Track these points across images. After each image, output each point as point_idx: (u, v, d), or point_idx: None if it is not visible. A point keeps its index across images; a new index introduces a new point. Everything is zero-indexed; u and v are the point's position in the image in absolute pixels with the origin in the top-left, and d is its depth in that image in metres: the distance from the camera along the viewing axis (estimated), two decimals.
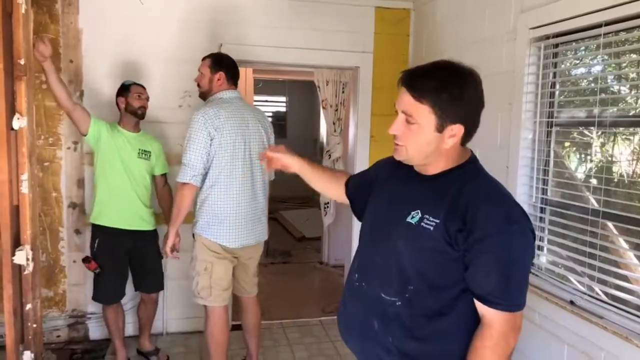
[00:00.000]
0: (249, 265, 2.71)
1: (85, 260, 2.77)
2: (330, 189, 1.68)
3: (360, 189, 1.54)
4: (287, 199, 7.86)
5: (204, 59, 2.65)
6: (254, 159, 2.54)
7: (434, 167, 1.28)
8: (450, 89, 1.20)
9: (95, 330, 3.23)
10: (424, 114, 1.20)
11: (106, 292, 2.82)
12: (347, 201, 1.62)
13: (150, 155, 2.86)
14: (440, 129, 1.21)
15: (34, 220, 2.21)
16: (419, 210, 1.24)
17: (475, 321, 1.22)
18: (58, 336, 3.18)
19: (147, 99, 2.84)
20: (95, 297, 2.85)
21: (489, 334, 1.17)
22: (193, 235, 2.57)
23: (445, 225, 1.18)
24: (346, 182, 1.62)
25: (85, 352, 3.09)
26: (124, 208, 2.78)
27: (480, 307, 1.19)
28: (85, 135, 2.73)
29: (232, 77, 2.63)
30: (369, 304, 1.32)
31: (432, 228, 1.20)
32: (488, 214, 1.16)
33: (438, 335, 1.23)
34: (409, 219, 1.25)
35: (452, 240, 1.18)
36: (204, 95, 2.64)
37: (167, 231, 2.56)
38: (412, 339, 1.25)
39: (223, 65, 2.60)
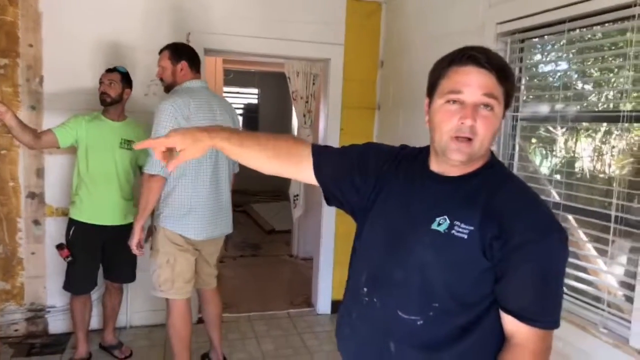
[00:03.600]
0: (210, 258, 2.67)
1: (59, 247, 2.70)
2: (284, 167, 1.28)
3: (344, 172, 1.26)
4: (258, 192, 7.81)
5: (161, 51, 2.56)
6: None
7: (470, 166, 1.10)
8: (510, 69, 1.09)
9: (55, 324, 3.13)
10: (501, 99, 1.05)
11: (77, 281, 2.74)
12: (313, 182, 1.30)
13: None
14: (503, 116, 1.08)
15: None
16: (445, 216, 1.08)
17: (499, 339, 1.09)
18: (16, 330, 3.07)
19: (111, 83, 2.69)
20: (66, 287, 2.76)
21: (522, 356, 1.04)
22: (154, 227, 2.52)
23: (481, 232, 1.03)
24: (314, 161, 1.27)
25: (44, 346, 3.00)
26: (103, 203, 2.69)
27: (510, 324, 1.05)
28: (59, 148, 2.66)
29: (195, 65, 2.56)
30: (383, 324, 1.13)
31: (466, 236, 1.04)
32: (527, 220, 1.03)
33: (464, 355, 1.08)
34: (434, 226, 1.08)
35: (486, 249, 1.03)
36: (169, 88, 2.55)
37: (133, 226, 2.47)
38: None
39: (183, 54, 2.52)
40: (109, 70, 2.75)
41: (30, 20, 2.92)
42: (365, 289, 1.17)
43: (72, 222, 2.72)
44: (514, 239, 1.01)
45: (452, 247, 1.05)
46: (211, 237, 2.54)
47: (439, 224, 1.08)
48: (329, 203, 1.34)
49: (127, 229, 2.78)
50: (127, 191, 2.78)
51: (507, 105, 1.08)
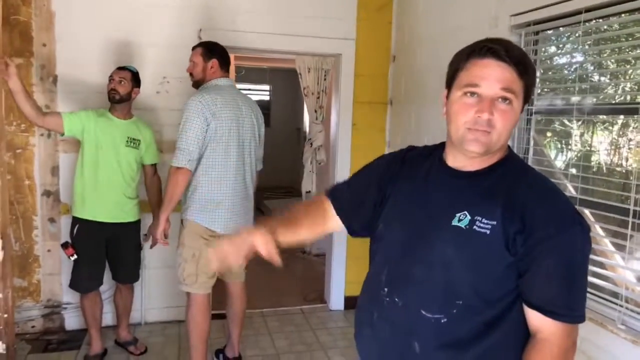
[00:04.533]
0: None
1: (64, 245, 2.72)
2: (318, 227, 1.35)
3: (364, 202, 1.28)
4: (270, 188, 7.82)
5: (194, 48, 2.62)
6: (246, 146, 2.56)
7: (487, 160, 1.10)
8: (531, 62, 1.06)
9: (71, 321, 3.17)
10: (520, 93, 1.04)
11: (82, 280, 2.76)
12: (342, 227, 1.34)
13: (139, 144, 2.77)
14: (522, 109, 1.07)
15: (3, 209, 2.16)
16: (466, 212, 1.06)
17: (524, 334, 1.07)
18: (33, 327, 3.12)
19: (121, 81, 2.70)
20: (72, 285, 2.79)
21: (549, 351, 1.02)
22: (182, 221, 2.55)
23: (504, 227, 1.02)
24: (333, 202, 1.32)
25: (61, 342, 3.04)
26: (106, 200, 2.70)
27: (535, 319, 1.04)
28: (63, 135, 2.65)
29: (225, 64, 2.62)
30: (406, 324, 1.11)
31: (488, 231, 1.03)
32: (549, 212, 1.02)
33: (488, 352, 1.06)
34: (455, 222, 1.06)
35: (509, 244, 1.02)
36: (197, 84, 2.61)
37: (159, 218, 2.52)
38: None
39: (216, 52, 2.58)
40: (120, 68, 2.76)
41: (43, 20, 2.94)
42: (386, 289, 1.15)
43: (75, 220, 2.73)
44: (537, 232, 1.00)
45: (475, 244, 1.04)
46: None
47: (460, 220, 1.06)
48: (356, 235, 1.34)
49: (129, 227, 2.82)
50: (131, 189, 2.79)
51: (526, 99, 1.07)
